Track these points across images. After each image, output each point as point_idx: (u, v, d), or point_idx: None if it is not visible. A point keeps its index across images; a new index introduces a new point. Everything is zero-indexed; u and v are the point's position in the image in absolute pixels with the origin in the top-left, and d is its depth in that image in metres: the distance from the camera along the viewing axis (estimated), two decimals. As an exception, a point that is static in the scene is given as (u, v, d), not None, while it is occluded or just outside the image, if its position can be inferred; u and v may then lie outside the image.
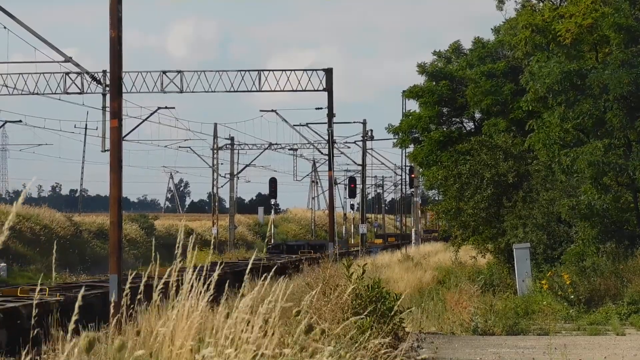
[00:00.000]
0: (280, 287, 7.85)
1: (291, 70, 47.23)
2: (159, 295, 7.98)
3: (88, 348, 5.40)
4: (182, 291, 7.72)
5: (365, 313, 12.33)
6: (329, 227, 53.14)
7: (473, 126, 50.03)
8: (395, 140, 52.34)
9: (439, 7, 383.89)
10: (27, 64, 63.34)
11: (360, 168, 76.01)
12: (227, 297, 8.02)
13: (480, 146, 34.66)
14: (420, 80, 50.32)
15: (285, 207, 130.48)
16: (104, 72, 43.22)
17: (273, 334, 7.39)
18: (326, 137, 51.37)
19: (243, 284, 8.17)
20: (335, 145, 62.98)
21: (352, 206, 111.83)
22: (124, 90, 27.88)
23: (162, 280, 7.97)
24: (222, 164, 78.76)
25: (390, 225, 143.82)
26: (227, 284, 8.46)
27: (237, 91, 46.60)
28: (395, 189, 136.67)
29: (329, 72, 46.84)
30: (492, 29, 50.74)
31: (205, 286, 7.81)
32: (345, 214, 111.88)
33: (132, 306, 8.44)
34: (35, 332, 8.79)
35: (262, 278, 8.28)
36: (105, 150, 42.14)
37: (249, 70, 46.85)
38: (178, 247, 8.25)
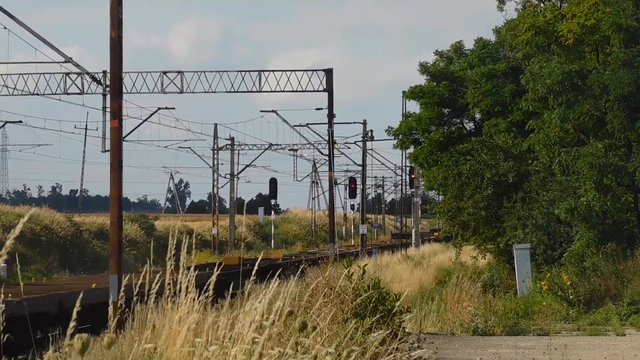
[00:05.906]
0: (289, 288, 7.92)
1: (291, 70, 47.22)
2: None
3: (82, 350, 5.41)
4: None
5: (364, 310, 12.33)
6: (329, 228, 53.08)
7: (473, 126, 50.04)
8: (395, 142, 52.43)
9: (439, 7, 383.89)
10: (28, 64, 63.54)
11: (360, 168, 75.86)
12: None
13: (480, 146, 34.67)
14: (422, 79, 50.42)
15: (286, 207, 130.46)
16: (104, 72, 43.19)
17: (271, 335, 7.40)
18: (326, 138, 51.34)
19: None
20: (336, 145, 62.92)
21: (352, 206, 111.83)
22: (124, 90, 27.90)
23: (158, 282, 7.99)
24: (222, 164, 78.71)
25: (390, 225, 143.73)
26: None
27: (237, 92, 46.58)
28: (396, 189, 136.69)
29: (329, 72, 46.82)
30: (492, 29, 50.77)
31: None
32: (345, 215, 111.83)
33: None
34: None
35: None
36: (105, 151, 42.08)
37: (249, 71, 46.87)
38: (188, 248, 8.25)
